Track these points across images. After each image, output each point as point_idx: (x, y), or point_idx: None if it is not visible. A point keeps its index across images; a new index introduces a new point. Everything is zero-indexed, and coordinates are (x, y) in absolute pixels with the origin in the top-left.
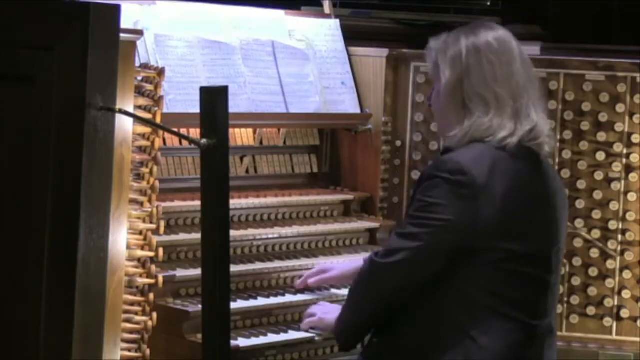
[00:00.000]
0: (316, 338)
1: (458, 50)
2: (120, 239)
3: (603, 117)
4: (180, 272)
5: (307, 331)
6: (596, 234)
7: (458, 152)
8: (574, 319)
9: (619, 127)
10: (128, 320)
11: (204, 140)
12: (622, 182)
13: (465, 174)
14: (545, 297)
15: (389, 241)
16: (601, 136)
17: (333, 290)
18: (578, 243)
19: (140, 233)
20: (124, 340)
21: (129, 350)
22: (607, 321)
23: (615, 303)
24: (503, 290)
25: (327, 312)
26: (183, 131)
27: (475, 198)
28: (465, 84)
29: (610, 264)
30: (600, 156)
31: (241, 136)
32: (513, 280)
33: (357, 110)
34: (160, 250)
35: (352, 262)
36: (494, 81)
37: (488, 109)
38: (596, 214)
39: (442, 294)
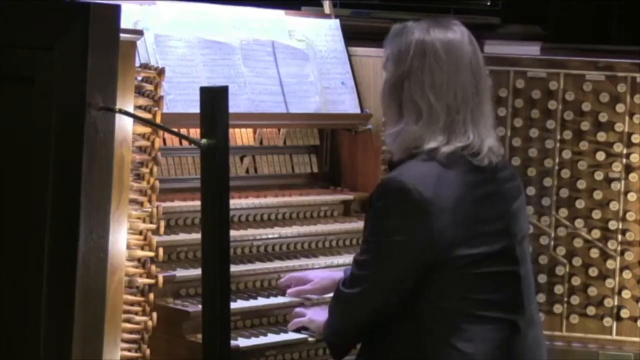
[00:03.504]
0: (309, 339)
1: (407, 48)
2: (120, 239)
3: (603, 117)
4: (180, 272)
5: (298, 332)
6: (596, 234)
7: (400, 170)
8: (574, 319)
9: (619, 127)
10: (128, 320)
11: (204, 140)
12: (622, 182)
13: (410, 191)
14: (519, 290)
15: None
16: (601, 136)
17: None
18: (578, 243)
19: (140, 233)
20: (124, 340)
21: (129, 350)
22: (607, 321)
23: (615, 303)
24: (476, 294)
25: (318, 313)
26: (183, 131)
27: (426, 213)
28: (404, 86)
29: (610, 264)
30: (600, 156)
31: (241, 136)
32: (483, 281)
33: (357, 110)
34: (160, 250)
35: (331, 272)
36: (430, 90)
37: (419, 118)
38: (596, 214)
39: (419, 309)
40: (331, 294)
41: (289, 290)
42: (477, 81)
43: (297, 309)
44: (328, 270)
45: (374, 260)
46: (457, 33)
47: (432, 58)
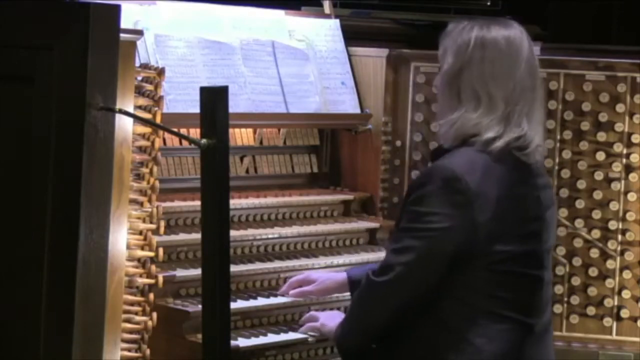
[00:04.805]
0: (309, 339)
1: (467, 40)
2: (120, 239)
3: (603, 117)
4: (180, 272)
5: (304, 332)
6: (596, 234)
7: (449, 158)
8: (574, 319)
9: (619, 127)
10: (128, 320)
11: (204, 140)
12: (622, 182)
13: (459, 180)
14: (540, 294)
15: (384, 257)
16: (601, 136)
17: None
18: (578, 243)
19: (140, 233)
20: (124, 340)
21: (129, 350)
22: (607, 321)
23: (615, 303)
24: (500, 292)
25: (330, 318)
26: (183, 131)
27: (470, 204)
28: (464, 75)
29: (610, 264)
30: (600, 156)
31: (241, 136)
32: (509, 281)
33: (357, 110)
34: (160, 250)
35: (334, 274)
36: (491, 79)
37: (478, 106)
38: (596, 214)
39: (440, 302)
40: (333, 295)
41: (291, 291)
42: (534, 79)
43: (312, 313)
44: (329, 271)
45: (412, 246)
46: (517, 30)
47: (494, 50)
